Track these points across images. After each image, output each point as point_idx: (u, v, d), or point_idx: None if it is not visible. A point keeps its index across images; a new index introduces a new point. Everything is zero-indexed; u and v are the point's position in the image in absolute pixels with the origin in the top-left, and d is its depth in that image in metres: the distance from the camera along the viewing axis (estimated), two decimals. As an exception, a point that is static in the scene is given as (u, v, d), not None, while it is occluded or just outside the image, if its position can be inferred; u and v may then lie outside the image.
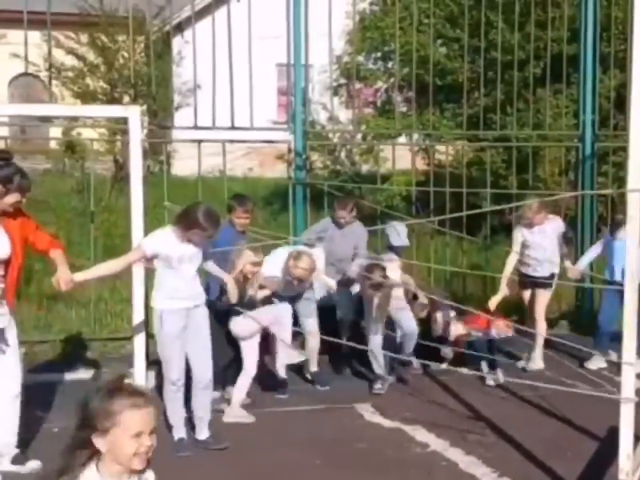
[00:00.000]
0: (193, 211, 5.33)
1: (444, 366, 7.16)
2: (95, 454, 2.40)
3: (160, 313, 5.37)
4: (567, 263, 7.65)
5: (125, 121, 5.92)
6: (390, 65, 14.50)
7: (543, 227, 7.40)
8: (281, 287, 6.64)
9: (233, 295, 5.88)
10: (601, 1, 9.55)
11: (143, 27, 11.81)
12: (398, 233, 7.52)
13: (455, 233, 8.98)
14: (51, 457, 5.05)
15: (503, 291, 7.35)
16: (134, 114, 5.56)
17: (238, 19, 7.93)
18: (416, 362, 7.33)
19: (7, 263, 4.96)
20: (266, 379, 6.71)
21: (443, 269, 8.90)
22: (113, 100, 14.71)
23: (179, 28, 15.42)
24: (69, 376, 7.08)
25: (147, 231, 5.60)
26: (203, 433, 5.61)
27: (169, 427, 5.52)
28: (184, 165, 13.11)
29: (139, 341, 5.65)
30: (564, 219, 8.19)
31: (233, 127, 8.20)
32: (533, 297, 7.60)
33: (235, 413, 6.12)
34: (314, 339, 7.02)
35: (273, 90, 19.56)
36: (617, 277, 7.32)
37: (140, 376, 5.54)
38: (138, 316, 5.62)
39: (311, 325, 7.00)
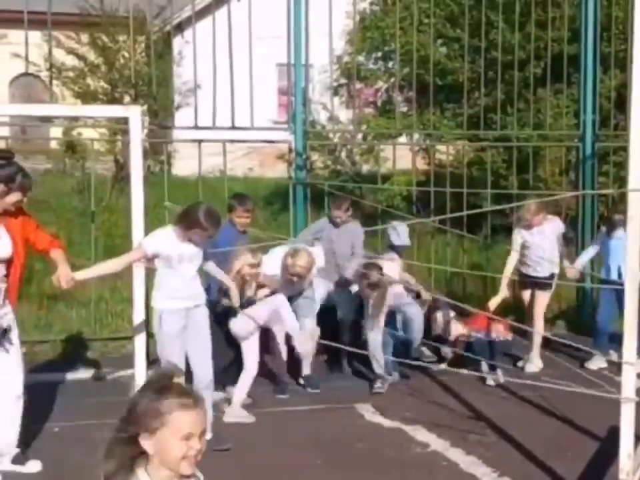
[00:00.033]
0: (193, 211, 5.33)
1: (444, 366, 7.17)
2: (140, 456, 2.27)
3: (160, 313, 5.36)
4: (566, 263, 7.66)
5: (125, 121, 5.93)
6: (390, 64, 14.49)
7: (542, 228, 7.39)
8: (280, 285, 6.64)
9: (235, 298, 5.90)
10: (602, 1, 9.54)
11: (143, 27, 11.85)
12: (399, 232, 7.54)
13: (456, 230, 8.97)
14: (51, 457, 5.12)
15: (503, 292, 7.35)
16: (134, 114, 5.56)
17: (238, 19, 7.94)
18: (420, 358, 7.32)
19: (9, 262, 4.95)
20: (266, 379, 6.71)
21: (443, 269, 8.90)
22: (113, 100, 14.70)
23: (180, 28, 15.46)
24: (70, 376, 7.09)
25: (148, 230, 5.60)
26: (203, 433, 5.60)
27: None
28: (184, 164, 13.10)
29: (140, 341, 5.65)
30: (565, 219, 8.19)
31: (233, 127, 8.21)
32: (532, 297, 7.61)
33: (236, 413, 6.12)
34: (310, 340, 7.00)
35: (274, 90, 19.55)
36: (614, 276, 7.34)
37: (140, 376, 5.54)
38: (138, 316, 5.62)
39: (309, 325, 6.96)
